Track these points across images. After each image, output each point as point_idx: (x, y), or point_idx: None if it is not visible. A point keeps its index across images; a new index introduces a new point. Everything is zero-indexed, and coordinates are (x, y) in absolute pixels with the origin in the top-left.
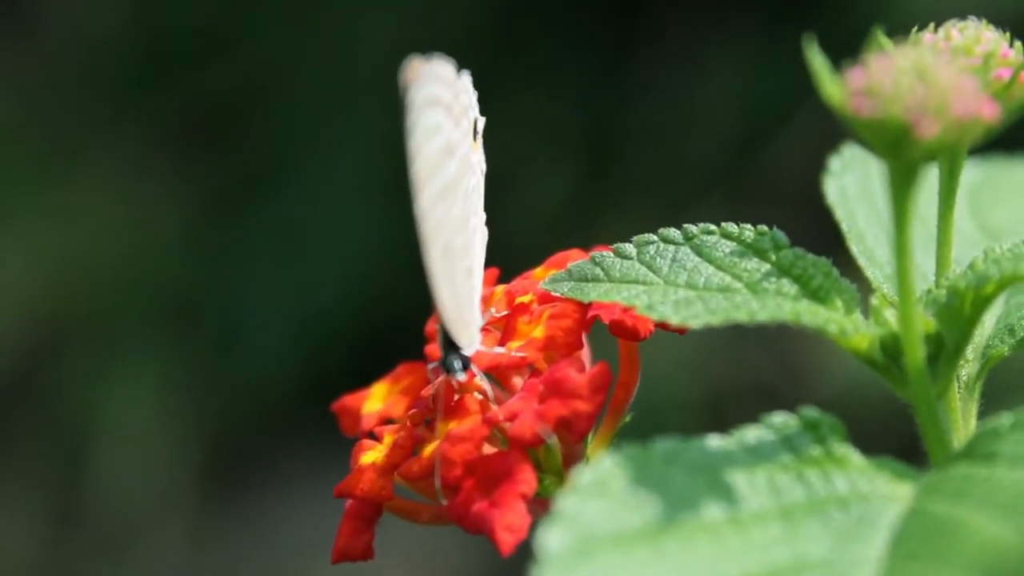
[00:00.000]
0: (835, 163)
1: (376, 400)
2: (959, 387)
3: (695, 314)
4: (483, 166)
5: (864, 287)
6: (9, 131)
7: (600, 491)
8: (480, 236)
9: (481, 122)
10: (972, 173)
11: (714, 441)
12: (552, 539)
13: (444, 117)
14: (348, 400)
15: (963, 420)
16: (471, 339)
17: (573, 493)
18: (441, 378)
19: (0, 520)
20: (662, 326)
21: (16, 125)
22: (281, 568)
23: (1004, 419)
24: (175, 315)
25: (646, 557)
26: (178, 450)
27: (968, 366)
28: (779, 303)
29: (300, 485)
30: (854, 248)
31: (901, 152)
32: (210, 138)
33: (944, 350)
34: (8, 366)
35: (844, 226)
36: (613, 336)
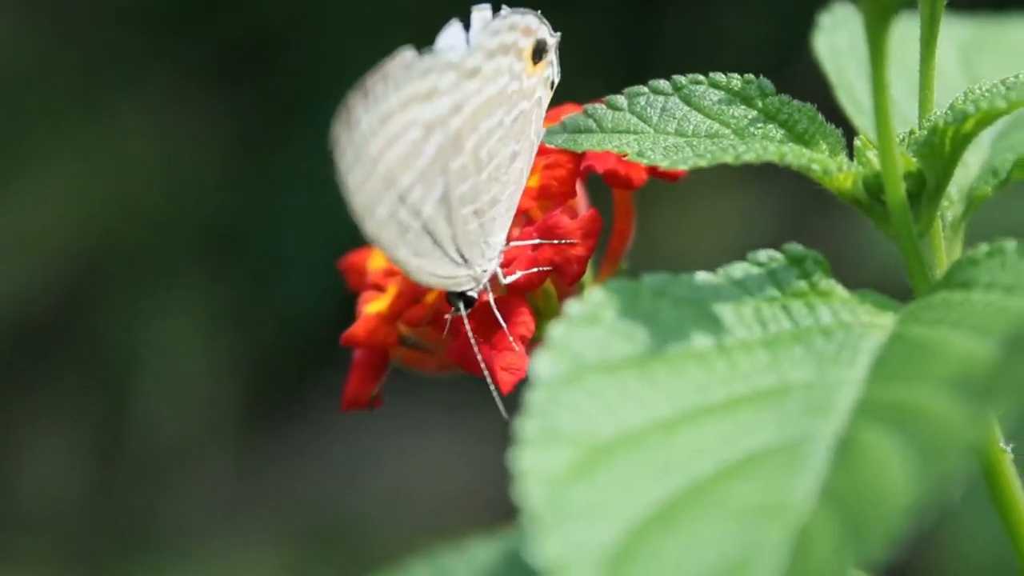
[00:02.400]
0: (826, 20)
1: (381, 257)
2: (944, 227)
3: (684, 158)
4: (550, 83)
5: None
6: (47, 67)
7: (590, 321)
8: (521, 162)
9: (551, 41)
10: (964, 30)
11: (702, 276)
12: (543, 365)
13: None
14: (353, 257)
15: (948, 258)
16: (476, 278)
17: (564, 323)
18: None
19: (46, 456)
20: (655, 174)
21: (54, 61)
22: (324, 497)
23: (981, 249)
24: (215, 249)
25: (634, 382)
26: (220, 383)
27: (953, 207)
28: (765, 145)
29: (341, 415)
30: (842, 98)
31: None
32: (246, 70)
33: (926, 188)
34: (50, 302)
35: (833, 78)
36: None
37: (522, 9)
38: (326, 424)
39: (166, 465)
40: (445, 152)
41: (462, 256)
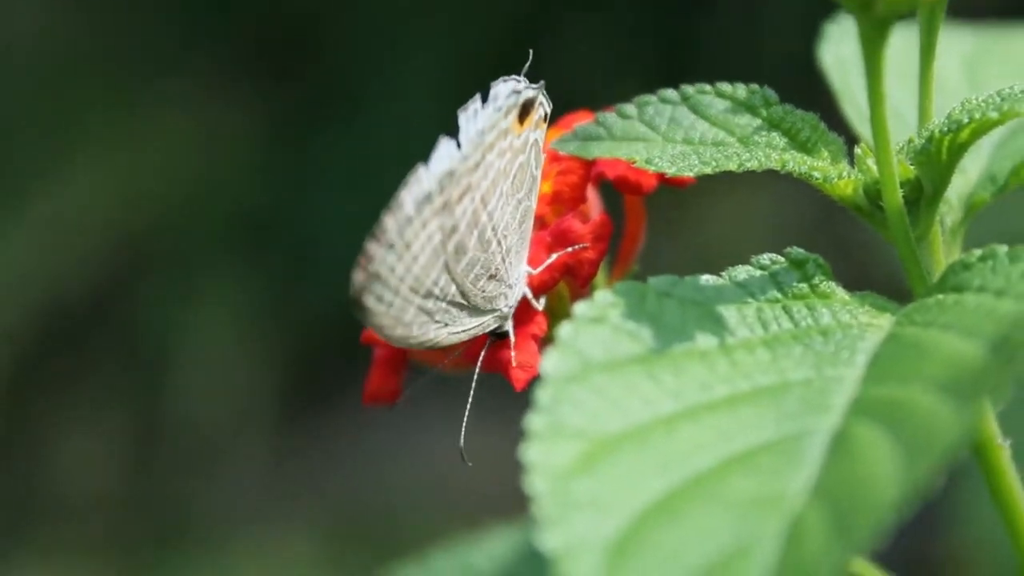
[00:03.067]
0: (832, 30)
1: None
2: (943, 233)
3: (690, 165)
4: (543, 118)
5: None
6: (86, 56)
7: (597, 321)
8: (530, 200)
9: (533, 94)
10: (968, 40)
11: (706, 278)
12: (551, 363)
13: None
14: None
15: (947, 263)
16: (503, 317)
17: (572, 323)
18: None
19: (82, 444)
20: (664, 181)
21: (92, 50)
22: (358, 487)
23: (974, 253)
24: (251, 238)
25: (639, 380)
26: (256, 370)
27: (952, 213)
28: (768, 153)
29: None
30: (846, 107)
31: (868, 8)
32: (283, 61)
33: (923, 195)
34: (88, 291)
35: (837, 87)
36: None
37: (500, 87)
38: (361, 414)
39: (201, 454)
40: (452, 258)
41: (485, 308)
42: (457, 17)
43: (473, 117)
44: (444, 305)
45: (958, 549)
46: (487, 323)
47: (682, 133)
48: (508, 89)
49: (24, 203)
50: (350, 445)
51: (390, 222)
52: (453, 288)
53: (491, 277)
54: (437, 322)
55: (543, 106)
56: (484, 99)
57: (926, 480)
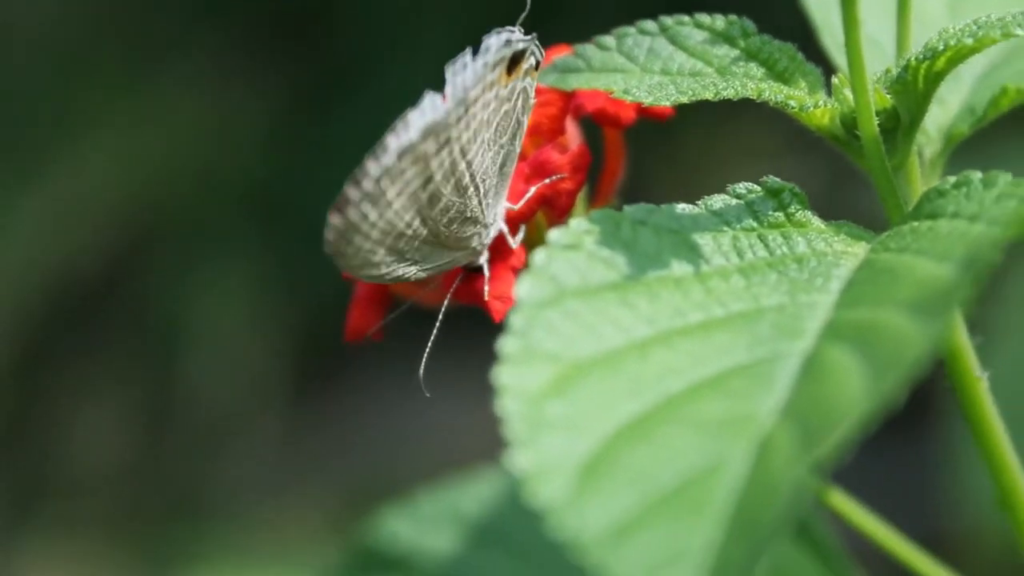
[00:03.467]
0: None
1: None
2: (922, 164)
3: (667, 95)
4: (534, 68)
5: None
6: (95, 34)
7: (571, 247)
8: (512, 144)
9: (524, 46)
10: None
11: (682, 207)
12: (523, 288)
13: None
14: None
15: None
16: (479, 252)
17: (546, 249)
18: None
19: (94, 422)
20: (643, 113)
21: (101, 28)
22: (370, 465)
23: (949, 180)
24: (263, 216)
25: (612, 306)
26: (268, 348)
27: (931, 144)
28: (744, 83)
29: (390, 381)
30: (826, 39)
31: None
32: (294, 39)
33: (900, 124)
34: (99, 268)
35: (816, 19)
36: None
37: (493, 39)
38: (374, 391)
39: (214, 431)
40: (425, 205)
41: (460, 246)
42: None
43: (461, 71)
44: (416, 244)
45: (965, 530)
46: (458, 259)
47: (660, 64)
48: (500, 41)
49: (37, 181)
50: (362, 422)
51: (372, 167)
52: (425, 231)
53: (466, 220)
54: (407, 259)
55: (534, 55)
56: (475, 52)
57: (892, 393)
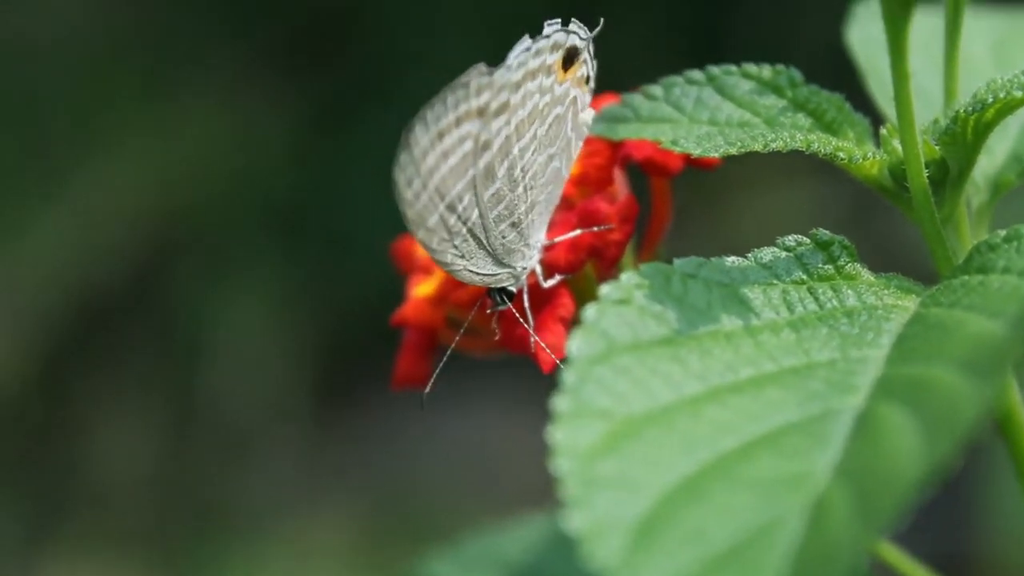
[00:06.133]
0: (860, 11)
1: None
2: (970, 214)
3: (715, 146)
4: (585, 80)
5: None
6: (120, 45)
7: (622, 302)
8: (559, 161)
9: (582, 44)
10: (996, 22)
11: (732, 260)
12: (576, 344)
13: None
14: (402, 242)
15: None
16: (515, 276)
17: (597, 304)
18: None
19: (118, 432)
20: (690, 163)
21: (127, 39)
22: (393, 477)
23: (999, 234)
24: (285, 228)
25: (663, 361)
26: (290, 361)
27: (979, 194)
28: (793, 134)
29: (411, 396)
30: (872, 86)
31: None
32: (318, 51)
33: (948, 175)
34: (123, 280)
35: (864, 68)
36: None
37: (553, 23)
38: (395, 404)
39: (236, 442)
40: (481, 179)
41: (503, 259)
42: (490, 9)
43: (522, 43)
44: (464, 230)
45: (990, 546)
46: (500, 277)
47: (708, 114)
48: (557, 28)
49: (63, 190)
50: (383, 434)
51: (432, 116)
52: (475, 213)
53: (513, 225)
54: (455, 248)
55: (587, 64)
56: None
57: (948, 457)
